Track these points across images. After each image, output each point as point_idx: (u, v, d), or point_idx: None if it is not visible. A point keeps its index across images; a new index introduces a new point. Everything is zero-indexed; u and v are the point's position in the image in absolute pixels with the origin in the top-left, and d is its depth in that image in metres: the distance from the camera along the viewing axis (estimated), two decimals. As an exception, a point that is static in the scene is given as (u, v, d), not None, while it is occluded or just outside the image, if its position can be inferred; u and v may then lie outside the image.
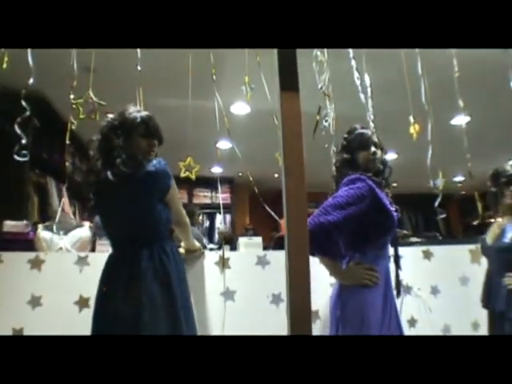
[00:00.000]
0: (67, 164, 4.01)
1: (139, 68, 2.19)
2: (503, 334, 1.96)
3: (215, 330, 1.88)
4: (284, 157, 0.96)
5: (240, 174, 6.64)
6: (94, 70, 2.22)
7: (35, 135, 3.06)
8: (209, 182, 6.61)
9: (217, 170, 5.96)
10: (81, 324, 1.88)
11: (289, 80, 1.04)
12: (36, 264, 1.95)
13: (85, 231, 2.12)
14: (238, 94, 3.58)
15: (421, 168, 2.39)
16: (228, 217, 7.54)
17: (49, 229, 2.09)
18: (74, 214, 4.46)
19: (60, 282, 1.96)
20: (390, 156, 5.34)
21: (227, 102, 2.50)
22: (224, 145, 4.89)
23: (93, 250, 2.16)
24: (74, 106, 1.85)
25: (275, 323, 1.97)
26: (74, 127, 2.04)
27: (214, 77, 2.27)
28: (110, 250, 1.94)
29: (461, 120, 3.50)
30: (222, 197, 7.19)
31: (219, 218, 7.41)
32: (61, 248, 2.04)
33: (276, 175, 5.76)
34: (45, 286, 1.95)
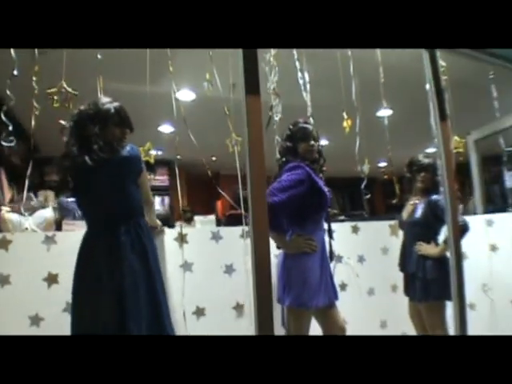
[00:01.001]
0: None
1: (99, 56, 2.32)
2: (415, 290, 2.44)
3: (176, 297, 2.15)
4: (249, 149, 1.26)
5: (179, 156, 6.79)
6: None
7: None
8: (148, 165, 6.71)
9: (154, 152, 6.09)
10: (50, 299, 2.06)
11: (252, 85, 1.33)
12: (3, 244, 2.05)
13: (49, 212, 2.28)
14: (185, 81, 3.79)
15: (348, 154, 2.78)
16: (166, 199, 7.71)
17: (14, 210, 2.23)
18: (13, 196, 4.48)
19: (28, 260, 2.08)
20: (322, 143, 5.82)
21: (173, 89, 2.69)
22: (166, 129, 5.08)
23: (58, 229, 2.31)
24: (49, 95, 1.98)
25: (228, 289, 2.32)
26: (37, 113, 2.16)
27: (171, 68, 2.47)
28: (76, 229, 2.16)
29: (384, 112, 4.02)
30: (159, 179, 7.35)
31: (157, 200, 7.54)
32: (26, 228, 2.19)
33: (214, 158, 5.98)
34: (13, 265, 2.05)
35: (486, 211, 3.48)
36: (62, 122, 2.65)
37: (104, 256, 1.66)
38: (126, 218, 1.74)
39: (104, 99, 1.83)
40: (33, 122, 2.11)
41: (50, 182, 5.51)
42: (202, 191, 8.01)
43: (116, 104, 1.82)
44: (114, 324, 1.60)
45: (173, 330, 1.78)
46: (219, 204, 8.38)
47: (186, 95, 4.10)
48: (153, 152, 2.70)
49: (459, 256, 2.00)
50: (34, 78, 2.11)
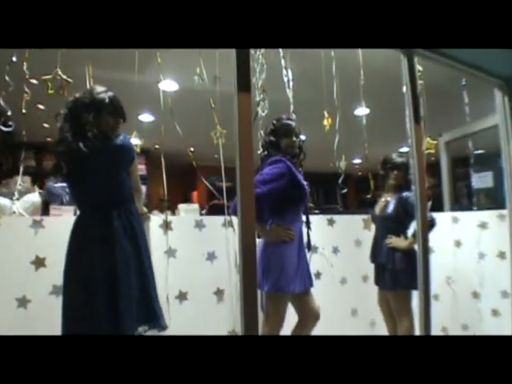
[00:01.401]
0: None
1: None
2: (384, 280, 2.64)
3: (160, 282, 2.26)
4: (239, 143, 1.38)
5: (156, 146, 6.85)
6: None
7: None
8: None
9: (135, 141, 6.17)
10: (37, 282, 2.16)
11: (244, 82, 1.46)
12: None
13: (36, 196, 2.36)
14: (168, 72, 3.88)
15: (324, 150, 2.93)
16: (143, 188, 7.75)
17: (0, 194, 2.31)
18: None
19: (16, 243, 2.16)
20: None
21: (156, 79, 2.76)
22: (145, 118, 5.17)
23: (44, 213, 2.39)
24: (43, 81, 2.05)
25: (210, 275, 2.47)
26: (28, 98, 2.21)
27: (159, 59, 2.56)
28: (63, 214, 2.26)
29: (362, 111, 4.22)
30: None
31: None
32: (14, 212, 2.27)
33: (192, 149, 6.09)
34: (1, 248, 2.12)
35: (454, 209, 3.73)
36: (41, 106, 2.69)
37: (97, 239, 1.77)
38: (118, 204, 1.85)
39: (99, 88, 1.92)
40: (23, 105, 2.14)
41: (26, 167, 5.51)
42: (178, 181, 8.08)
43: (110, 94, 1.91)
44: (107, 300, 1.72)
45: (158, 303, 1.92)
46: (195, 194, 8.48)
47: (168, 85, 4.18)
48: (136, 141, 2.79)
49: (426, 249, 2.20)
50: (25, 65, 2.16)
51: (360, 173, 3.17)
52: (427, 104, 2.93)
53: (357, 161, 6.62)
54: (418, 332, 2.20)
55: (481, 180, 3.61)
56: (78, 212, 1.95)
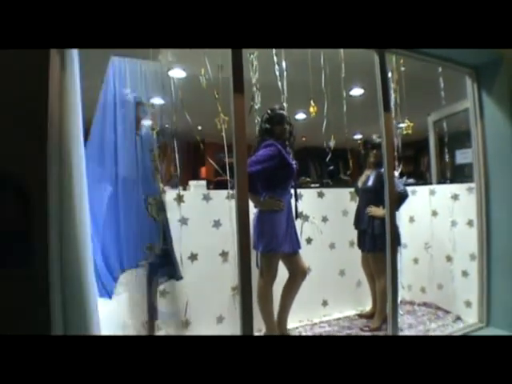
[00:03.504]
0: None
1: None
2: (365, 243, 3.23)
3: (175, 245, 2.78)
4: (235, 132, 1.93)
5: (166, 125, 7.38)
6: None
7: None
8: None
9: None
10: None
11: (238, 84, 1.98)
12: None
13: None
14: (177, 61, 4.43)
15: (326, 127, 3.41)
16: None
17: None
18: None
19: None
20: (301, 116, 6.55)
21: (166, 68, 3.19)
22: (157, 101, 5.76)
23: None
24: None
25: (216, 239, 3.06)
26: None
27: (170, 58, 3.10)
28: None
29: (357, 92, 4.74)
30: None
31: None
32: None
33: (199, 128, 6.60)
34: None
35: (440, 182, 4.24)
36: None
37: None
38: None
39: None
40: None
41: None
42: (188, 158, 8.70)
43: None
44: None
45: (176, 260, 2.60)
46: (203, 170, 9.11)
47: (177, 73, 4.74)
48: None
49: (393, 215, 2.74)
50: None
51: (361, 148, 3.65)
52: (416, 86, 3.39)
53: (358, 136, 7.10)
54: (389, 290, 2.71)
55: (463, 156, 4.11)
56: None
